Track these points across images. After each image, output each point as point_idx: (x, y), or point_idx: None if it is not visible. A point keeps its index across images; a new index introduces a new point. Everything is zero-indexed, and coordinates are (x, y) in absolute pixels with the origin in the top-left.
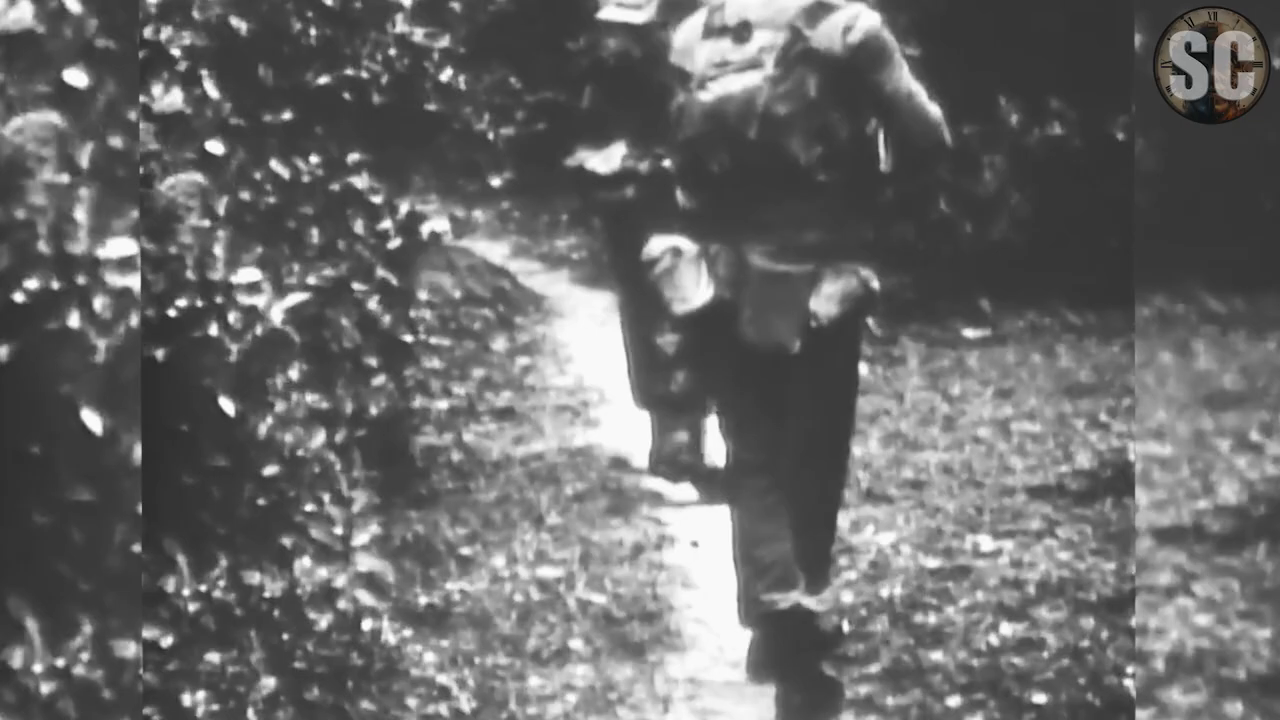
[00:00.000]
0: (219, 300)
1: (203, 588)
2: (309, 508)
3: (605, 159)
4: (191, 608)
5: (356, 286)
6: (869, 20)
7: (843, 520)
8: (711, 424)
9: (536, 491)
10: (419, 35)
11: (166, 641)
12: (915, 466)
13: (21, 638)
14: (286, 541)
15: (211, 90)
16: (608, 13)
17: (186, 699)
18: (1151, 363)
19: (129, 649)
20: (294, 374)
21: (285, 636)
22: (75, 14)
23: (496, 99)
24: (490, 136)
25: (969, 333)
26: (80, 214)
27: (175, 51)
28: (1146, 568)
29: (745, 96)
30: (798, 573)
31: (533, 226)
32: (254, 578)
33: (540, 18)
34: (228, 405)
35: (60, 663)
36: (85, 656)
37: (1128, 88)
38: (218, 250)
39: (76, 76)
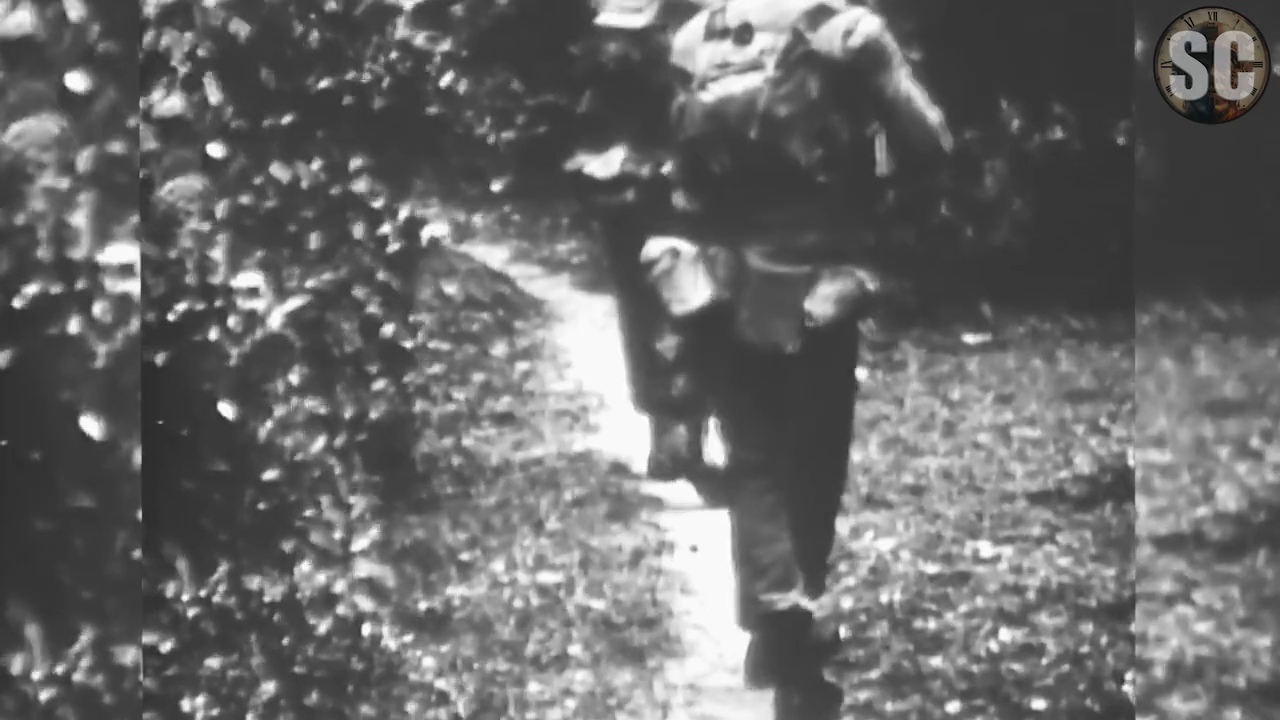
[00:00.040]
0: (219, 304)
1: (203, 592)
2: (309, 512)
3: (605, 163)
4: (191, 612)
5: (357, 291)
6: (870, 24)
7: (842, 526)
8: (711, 425)
9: (536, 497)
10: (420, 39)
11: (166, 646)
12: (915, 472)
13: (21, 644)
14: (287, 546)
15: (212, 94)
16: (606, 17)
17: (186, 704)
18: (1152, 369)
19: (129, 655)
20: (294, 378)
21: (285, 641)
22: (76, 19)
23: (497, 103)
24: (491, 140)
25: (969, 338)
26: (80, 219)
27: (176, 56)
28: (1146, 575)
29: (746, 98)
30: (796, 574)
31: (533, 231)
32: (254, 582)
33: (541, 22)
34: (228, 409)
35: (60, 669)
36: (85, 663)
37: (1128, 92)
38: (218, 254)
39: (77, 81)
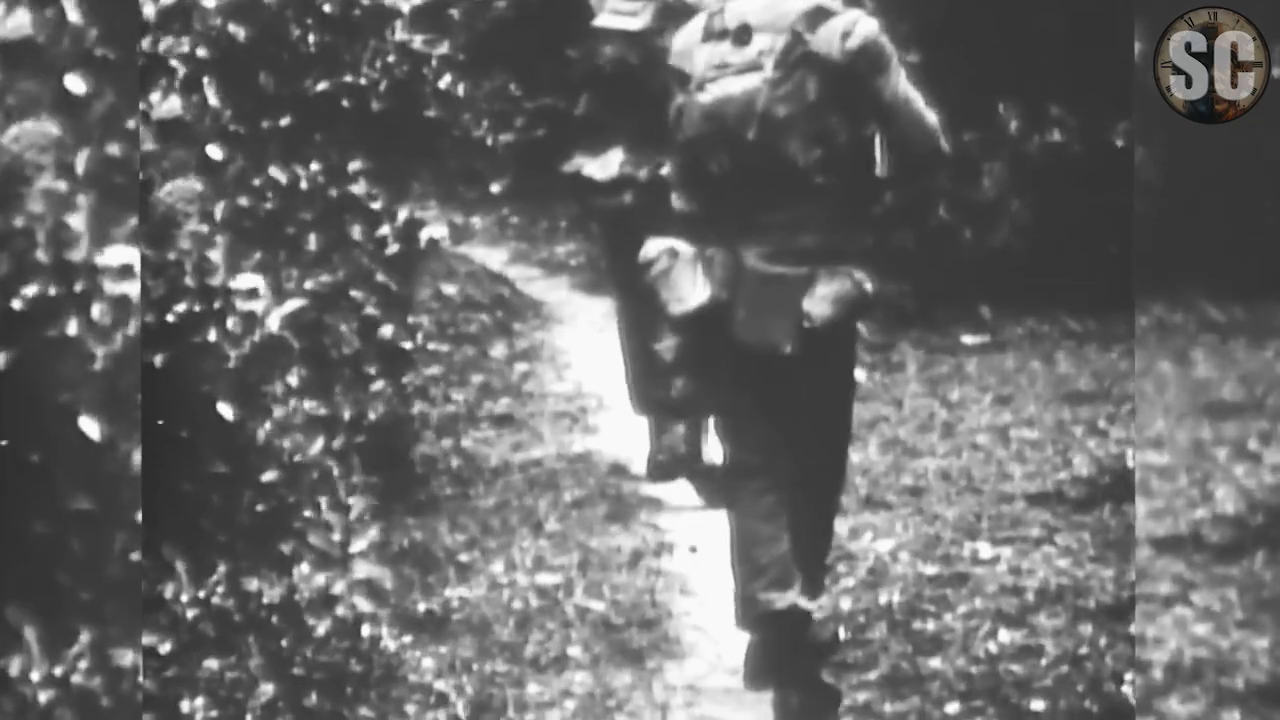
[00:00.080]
0: (218, 306)
1: (202, 594)
2: (308, 514)
3: (603, 165)
4: (190, 614)
5: (355, 292)
6: (867, 26)
7: (841, 527)
8: (710, 426)
9: (535, 498)
10: (418, 42)
11: (165, 648)
12: (914, 473)
13: (20, 646)
14: (285, 548)
15: (211, 96)
16: (604, 20)
17: (185, 705)
18: (1150, 371)
19: (128, 657)
20: (293, 380)
21: (284, 643)
22: (74, 22)
23: (496, 105)
24: (489, 143)
25: (968, 339)
26: (79, 222)
27: (174, 58)
28: (1145, 577)
29: (744, 98)
30: (795, 574)
31: (531, 233)
32: (253, 584)
33: (539, 24)
34: (226, 411)
35: (59, 671)
36: (84, 664)
37: (1127, 94)
38: (216, 256)
39: (76, 84)
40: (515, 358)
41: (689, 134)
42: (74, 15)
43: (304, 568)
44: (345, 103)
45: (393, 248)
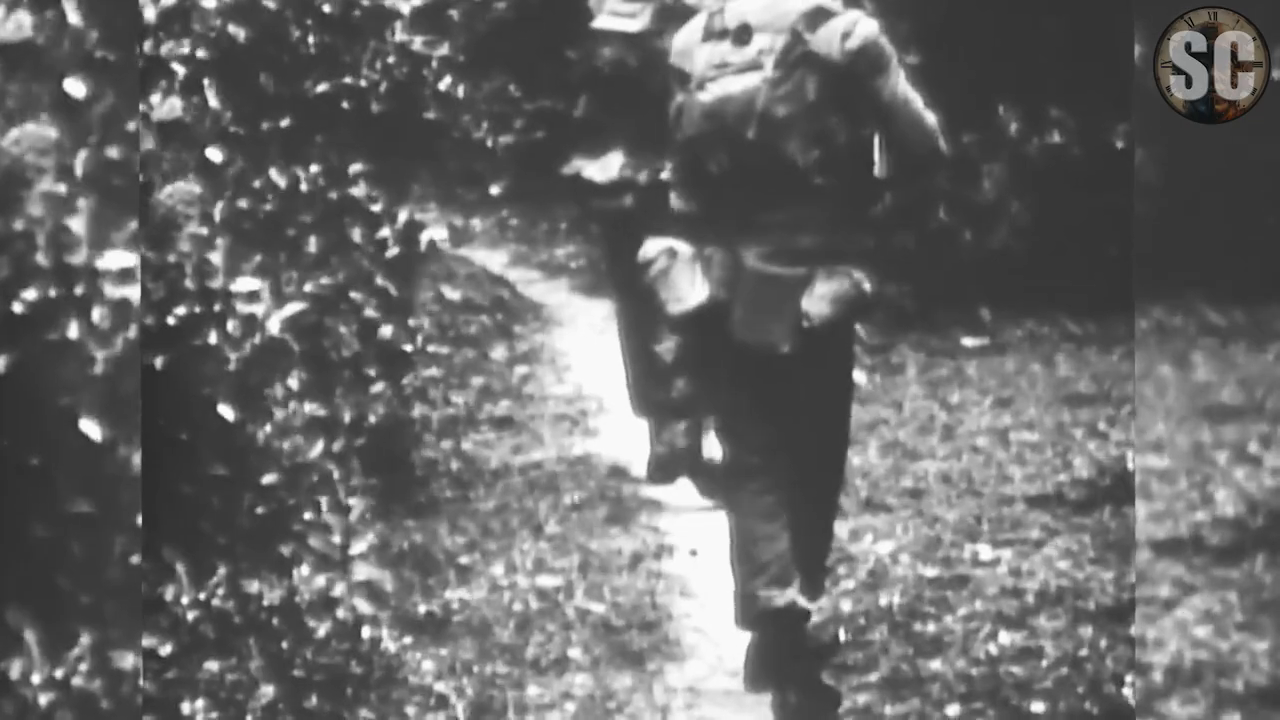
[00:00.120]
0: (218, 308)
1: (202, 596)
2: (308, 516)
3: (603, 167)
4: (191, 616)
5: (355, 295)
6: (867, 27)
7: (841, 529)
8: (710, 427)
9: (535, 500)
10: (418, 44)
11: (166, 650)
12: (914, 475)
13: (20, 649)
14: (286, 550)
15: (211, 98)
16: (602, 21)
17: (186, 707)
18: (1150, 375)
19: (128, 660)
20: (293, 382)
21: (284, 645)
22: (74, 24)
23: (495, 107)
24: (489, 144)
25: (968, 341)
26: (79, 225)
27: (174, 60)
28: (1145, 580)
29: (744, 98)
30: (794, 572)
31: (531, 235)
32: (253, 586)
33: (539, 26)
34: (227, 413)
35: (59, 673)
36: (84, 667)
37: (1127, 95)
38: (216, 258)
39: (75, 87)
40: (515, 360)
41: (689, 133)
42: (74, 17)
43: (304, 570)
44: (345, 104)
45: (393, 250)
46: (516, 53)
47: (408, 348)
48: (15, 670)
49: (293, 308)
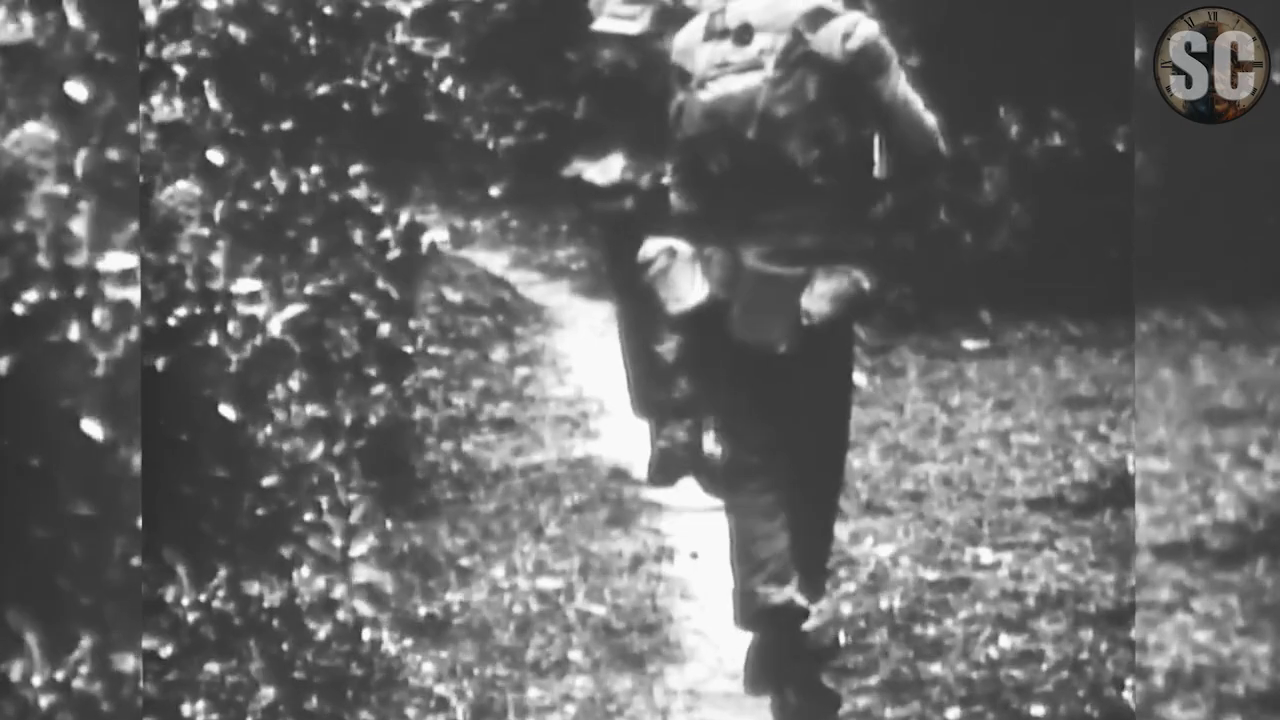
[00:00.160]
0: (219, 310)
1: (202, 598)
2: (308, 518)
3: (603, 170)
4: (191, 618)
5: (356, 296)
6: (868, 28)
7: (842, 532)
8: (710, 428)
9: (536, 502)
10: (419, 45)
11: (166, 651)
12: (915, 478)
13: (21, 651)
14: (286, 552)
15: (211, 100)
16: (603, 24)
17: (186, 709)
18: (1151, 378)
19: (128, 662)
20: (294, 384)
21: (285, 646)
22: (75, 26)
23: (496, 109)
24: (490, 146)
25: (968, 344)
26: (80, 226)
27: (175, 62)
28: (1146, 584)
29: (745, 97)
30: (793, 571)
31: (532, 237)
32: (253, 588)
33: (540, 27)
34: (228, 415)
35: (60, 675)
36: (85, 669)
37: (1128, 97)
38: (217, 260)
39: (77, 89)
40: (516, 362)
41: (689, 132)
42: (75, 20)
43: (304, 572)
44: (346, 106)
45: (393, 252)
46: (517, 54)
47: (408, 349)
48: (16, 672)
49: (293, 309)
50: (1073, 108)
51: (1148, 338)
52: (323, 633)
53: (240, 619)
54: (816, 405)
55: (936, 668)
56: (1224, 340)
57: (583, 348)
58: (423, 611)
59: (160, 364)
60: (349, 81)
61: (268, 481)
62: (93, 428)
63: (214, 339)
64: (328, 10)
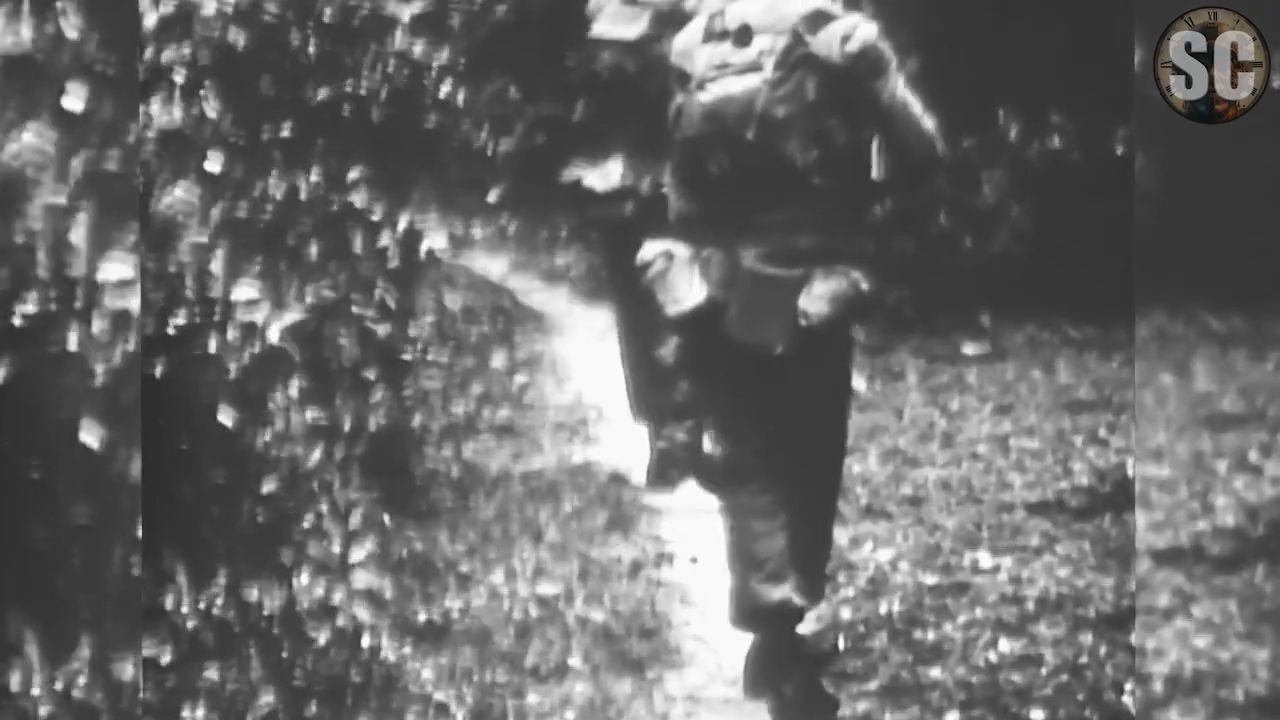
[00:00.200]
0: (218, 316)
1: (202, 604)
2: (308, 524)
3: (603, 175)
4: (190, 624)
5: (355, 302)
6: (867, 30)
7: (841, 536)
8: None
9: (535, 508)
10: (418, 50)
11: (165, 658)
12: (914, 483)
13: (20, 657)
14: (285, 557)
15: (210, 106)
16: (601, 28)
17: (186, 715)
18: (1151, 382)
19: (128, 668)
20: (293, 390)
21: (284, 652)
22: (74, 35)
23: (495, 113)
24: (489, 152)
25: (968, 348)
26: (78, 236)
27: (174, 67)
28: (1145, 589)
29: (744, 98)
30: (790, 571)
31: (531, 242)
32: (253, 594)
33: (539, 32)
34: (227, 421)
35: (59, 682)
36: (84, 675)
37: (1127, 100)
38: (216, 266)
39: (75, 96)
40: (515, 368)
41: (688, 133)
42: (73, 28)
43: (304, 577)
44: (345, 111)
45: (393, 258)
46: (516, 59)
47: (407, 355)
48: (15, 679)
49: (292, 315)
50: (1072, 110)
51: (1148, 341)
52: (322, 638)
53: (239, 625)
54: (814, 406)
55: (936, 672)
56: (1224, 344)
57: (582, 353)
58: (422, 617)
59: (159, 370)
60: (348, 87)
61: (267, 488)
62: (91, 436)
63: (213, 345)
64: (326, 15)
